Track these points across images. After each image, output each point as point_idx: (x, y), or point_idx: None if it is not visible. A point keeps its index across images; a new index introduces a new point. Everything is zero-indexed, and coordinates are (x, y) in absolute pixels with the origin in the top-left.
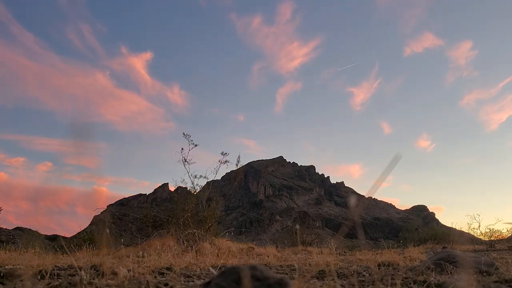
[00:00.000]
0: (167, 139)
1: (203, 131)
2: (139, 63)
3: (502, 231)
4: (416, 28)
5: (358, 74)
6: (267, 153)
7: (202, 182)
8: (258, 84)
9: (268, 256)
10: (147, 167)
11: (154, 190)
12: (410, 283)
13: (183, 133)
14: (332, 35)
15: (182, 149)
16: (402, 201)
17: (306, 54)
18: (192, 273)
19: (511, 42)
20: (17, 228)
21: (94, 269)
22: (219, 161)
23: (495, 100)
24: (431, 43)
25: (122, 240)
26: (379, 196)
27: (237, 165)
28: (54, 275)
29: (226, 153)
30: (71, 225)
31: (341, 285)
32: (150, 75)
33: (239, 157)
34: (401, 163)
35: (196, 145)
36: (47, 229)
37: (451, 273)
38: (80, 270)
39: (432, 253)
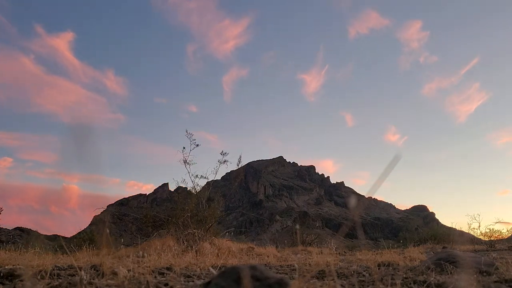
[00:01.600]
0: (119, 133)
1: (157, 125)
2: (61, 44)
3: (502, 231)
4: (356, 4)
5: (303, 58)
6: (262, 152)
7: (202, 182)
8: (197, 69)
9: (268, 256)
10: (114, 164)
11: (154, 190)
12: (410, 283)
13: (186, 131)
14: (263, 12)
15: (184, 148)
16: (387, 198)
17: (240, 35)
18: (192, 273)
19: (465, 21)
20: (17, 228)
21: (94, 269)
22: (218, 161)
23: (459, 89)
24: (376, 22)
25: (122, 240)
26: (378, 195)
27: (238, 165)
28: (54, 275)
29: (225, 153)
30: (48, 224)
31: (341, 285)
32: (78, 59)
33: (240, 157)
34: (373, 158)
35: (197, 145)
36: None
37: (451, 273)
38: (80, 270)
39: (432, 253)
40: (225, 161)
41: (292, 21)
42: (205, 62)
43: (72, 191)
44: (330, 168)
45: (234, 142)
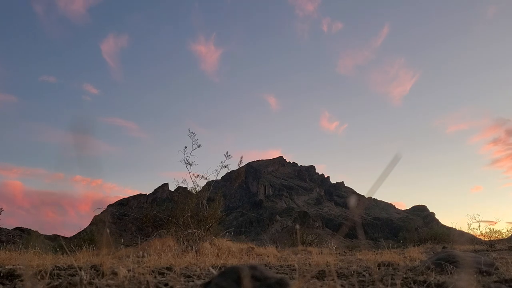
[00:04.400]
0: (15, 117)
1: (54, 106)
2: None
3: (502, 231)
4: None
5: (192, 29)
6: (260, 151)
7: (203, 183)
8: (59, 34)
9: (268, 256)
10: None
11: (154, 190)
12: (410, 283)
13: (189, 130)
14: None
15: (186, 147)
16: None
17: None
18: (192, 273)
19: None
20: (17, 228)
21: (94, 269)
22: (221, 163)
23: (379, 66)
24: None
25: (122, 240)
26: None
27: (239, 165)
28: (54, 275)
29: (229, 155)
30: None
31: (341, 285)
32: None
33: (241, 158)
34: (319, 149)
35: (199, 146)
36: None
37: (451, 273)
38: (80, 270)
39: (432, 253)
40: (226, 166)
41: None
42: (64, 25)
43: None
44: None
45: (157, 129)
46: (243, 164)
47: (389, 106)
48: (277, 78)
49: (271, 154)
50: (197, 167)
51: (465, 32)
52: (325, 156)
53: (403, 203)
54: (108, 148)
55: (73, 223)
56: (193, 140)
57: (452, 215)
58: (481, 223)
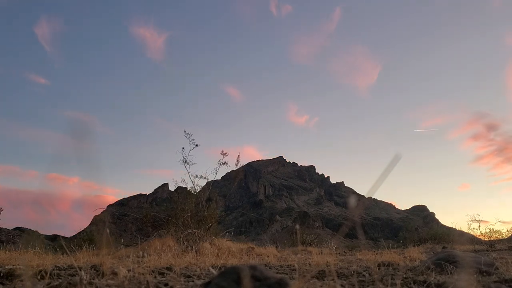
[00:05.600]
0: None
1: (7, 100)
2: None
3: (502, 231)
4: None
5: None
6: (264, 152)
7: (202, 183)
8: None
9: (268, 256)
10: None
11: (154, 190)
12: (410, 283)
13: (184, 131)
14: None
15: (183, 148)
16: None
17: None
18: (192, 273)
19: None
20: (17, 228)
21: (94, 269)
22: (218, 162)
23: (339, 55)
24: None
25: (122, 240)
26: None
27: (236, 164)
28: (54, 275)
29: (226, 153)
30: None
31: (341, 285)
32: None
33: (238, 157)
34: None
35: (197, 145)
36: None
37: (451, 273)
38: (80, 270)
39: (432, 253)
40: (225, 163)
41: None
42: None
43: None
44: (255, 155)
45: (116, 123)
46: (240, 164)
47: (357, 99)
48: (235, 68)
49: (246, 150)
50: (196, 167)
51: (427, 16)
52: (295, 149)
53: (395, 203)
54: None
55: (56, 222)
56: (190, 140)
57: (446, 213)
58: (480, 223)
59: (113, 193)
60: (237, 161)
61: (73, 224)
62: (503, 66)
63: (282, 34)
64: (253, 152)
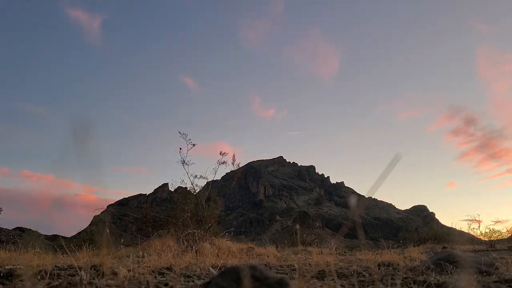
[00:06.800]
0: None
1: None
2: None
3: (502, 231)
4: None
5: None
6: (265, 153)
7: (202, 183)
8: None
9: (268, 256)
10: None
11: (154, 190)
12: (410, 283)
13: (179, 132)
14: None
15: (181, 149)
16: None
17: None
18: (192, 273)
19: None
20: (17, 228)
21: (94, 269)
22: (217, 161)
23: (292, 41)
24: None
25: (122, 240)
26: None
27: (233, 164)
28: (54, 275)
29: (224, 153)
30: None
31: (341, 285)
32: None
33: (234, 156)
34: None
35: (194, 145)
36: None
37: (451, 273)
38: (80, 270)
39: (432, 253)
40: (223, 162)
41: None
42: None
43: None
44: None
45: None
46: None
47: (322, 89)
48: (184, 54)
49: (217, 146)
50: (196, 166)
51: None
52: (258, 144)
53: (395, 203)
54: (34, 138)
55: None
56: (187, 140)
57: (443, 213)
58: (474, 222)
59: (113, 194)
60: (233, 159)
61: (73, 224)
62: (472, 57)
63: (226, 16)
64: (226, 148)
